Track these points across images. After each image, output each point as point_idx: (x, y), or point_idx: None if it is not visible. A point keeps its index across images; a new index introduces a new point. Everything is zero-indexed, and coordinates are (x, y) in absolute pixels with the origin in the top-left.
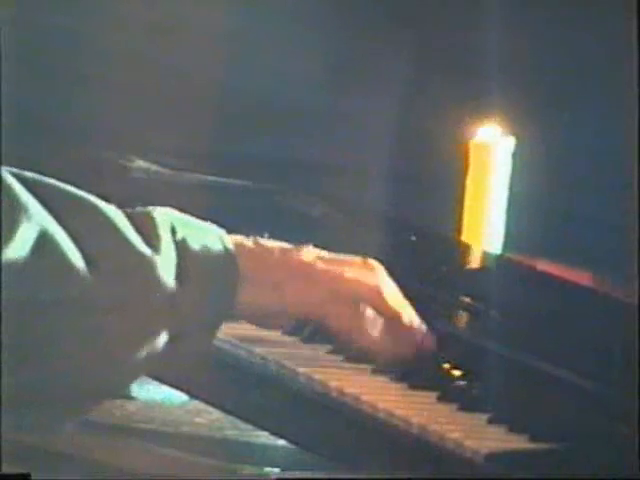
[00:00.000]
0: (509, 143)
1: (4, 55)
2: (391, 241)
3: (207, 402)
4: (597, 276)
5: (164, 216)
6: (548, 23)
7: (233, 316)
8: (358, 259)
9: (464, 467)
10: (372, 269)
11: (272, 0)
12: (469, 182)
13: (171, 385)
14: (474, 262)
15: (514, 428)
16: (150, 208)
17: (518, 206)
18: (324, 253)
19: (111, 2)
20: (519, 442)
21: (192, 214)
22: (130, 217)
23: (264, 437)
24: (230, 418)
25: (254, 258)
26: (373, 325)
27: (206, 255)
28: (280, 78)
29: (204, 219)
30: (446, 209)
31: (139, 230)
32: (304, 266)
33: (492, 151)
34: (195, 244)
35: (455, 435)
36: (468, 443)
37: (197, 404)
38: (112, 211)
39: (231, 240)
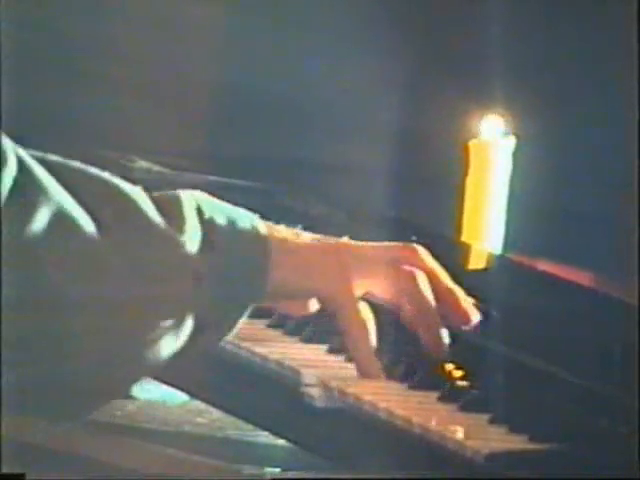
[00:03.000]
0: (509, 143)
1: (4, 54)
2: (391, 241)
3: (207, 402)
4: (597, 276)
5: (190, 198)
6: (548, 22)
7: (262, 297)
8: (397, 244)
9: (464, 467)
10: (413, 252)
11: (272, 0)
12: (469, 182)
13: (171, 385)
14: (474, 262)
15: (514, 428)
16: (178, 191)
17: (518, 206)
18: (358, 242)
19: (111, 1)
20: (519, 442)
21: None
22: (155, 200)
23: (264, 437)
24: (231, 418)
25: (283, 241)
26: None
27: (235, 235)
28: (280, 78)
29: None
30: (446, 209)
31: (164, 212)
32: (333, 250)
33: (492, 151)
34: (223, 224)
35: (455, 435)
36: (469, 443)
37: (198, 404)
38: (136, 193)
39: (258, 221)
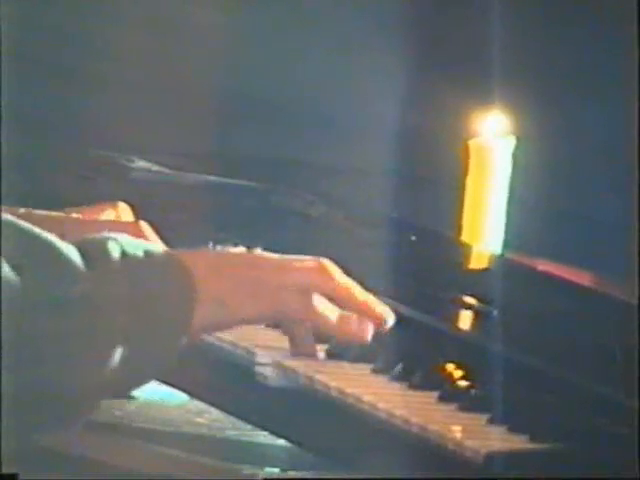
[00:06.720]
0: (509, 143)
1: (4, 54)
2: (391, 241)
3: (207, 402)
4: (597, 276)
5: (115, 242)
6: (548, 22)
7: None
8: (308, 257)
9: (464, 467)
10: (323, 266)
11: (271, 0)
12: (469, 182)
13: (171, 385)
14: (474, 262)
15: (514, 428)
16: (104, 235)
17: (518, 206)
18: (270, 254)
19: (111, 2)
20: (518, 442)
21: (192, 214)
22: (80, 247)
23: (264, 437)
24: (230, 418)
25: (201, 275)
26: (327, 310)
27: (158, 277)
28: (280, 78)
29: (204, 219)
30: (446, 209)
31: (87, 258)
32: (248, 272)
33: (492, 151)
34: (146, 267)
35: (455, 435)
36: (468, 443)
37: (197, 404)
38: (63, 245)
39: (179, 256)
